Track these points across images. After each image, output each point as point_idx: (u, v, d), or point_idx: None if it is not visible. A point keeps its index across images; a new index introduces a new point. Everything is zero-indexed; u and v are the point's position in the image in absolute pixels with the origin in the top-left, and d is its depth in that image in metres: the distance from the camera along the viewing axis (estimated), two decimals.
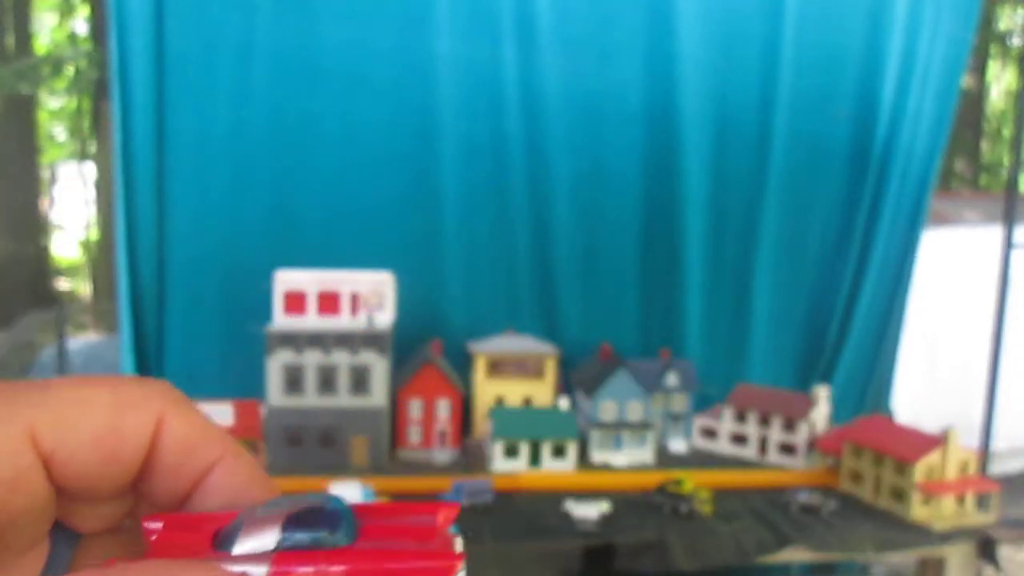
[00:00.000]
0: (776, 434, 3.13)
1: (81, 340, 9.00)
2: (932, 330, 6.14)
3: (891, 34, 3.65)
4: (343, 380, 2.83)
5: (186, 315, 3.28)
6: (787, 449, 3.10)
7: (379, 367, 2.85)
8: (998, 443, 4.45)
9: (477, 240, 3.50)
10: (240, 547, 0.27)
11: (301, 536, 0.27)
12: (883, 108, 3.68)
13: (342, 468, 2.81)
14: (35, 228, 12.97)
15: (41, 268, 13.20)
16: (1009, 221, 4.35)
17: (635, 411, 3.09)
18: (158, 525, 0.28)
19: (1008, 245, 4.29)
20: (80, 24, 14.84)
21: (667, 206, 3.62)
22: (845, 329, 3.83)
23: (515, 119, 3.44)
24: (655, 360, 3.36)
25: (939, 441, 2.56)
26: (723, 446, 3.25)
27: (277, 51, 3.21)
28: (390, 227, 3.39)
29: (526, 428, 2.91)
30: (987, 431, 4.36)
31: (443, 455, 2.99)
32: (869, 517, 2.56)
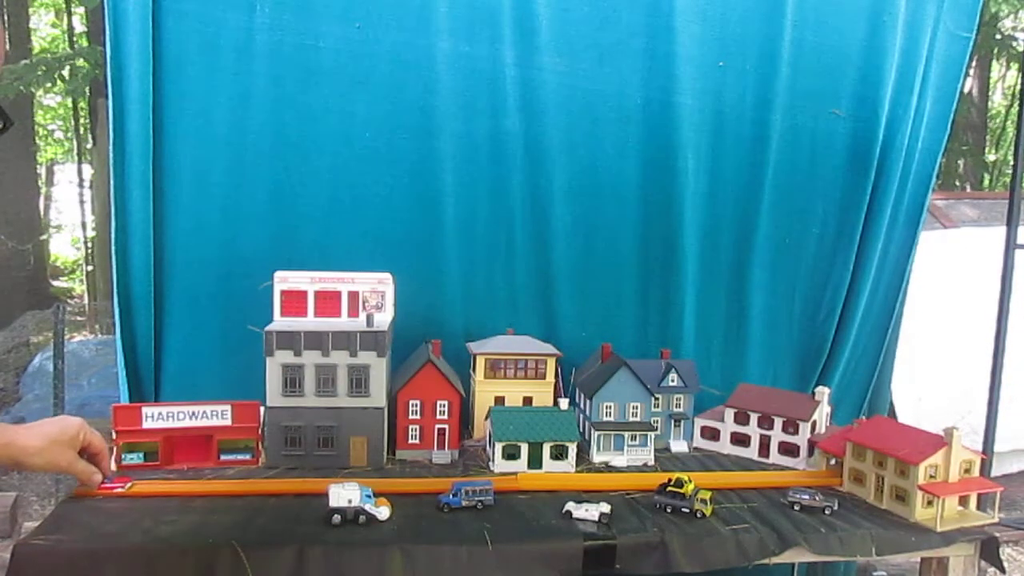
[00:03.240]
0: (778, 435, 3.11)
1: (78, 340, 8.98)
2: (932, 331, 6.14)
3: (891, 32, 3.63)
4: (342, 380, 2.81)
5: (184, 315, 3.26)
6: (789, 450, 3.09)
7: (378, 368, 2.83)
8: (1000, 444, 4.44)
9: (476, 240, 3.49)
10: None
11: None
12: (883, 107, 3.67)
13: (341, 469, 2.79)
14: (32, 227, 12.93)
15: (38, 267, 13.17)
16: (1011, 221, 4.35)
17: (636, 411, 3.08)
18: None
19: (1010, 246, 4.29)
20: (78, 22, 14.81)
21: (665, 205, 3.60)
22: (843, 329, 3.81)
23: (514, 118, 3.42)
24: (655, 360, 3.34)
25: (942, 442, 2.54)
26: (724, 447, 3.23)
27: (277, 51, 3.19)
28: (390, 227, 3.38)
29: (526, 429, 2.89)
30: (989, 432, 4.36)
31: (442, 456, 2.97)
32: (871, 518, 2.55)
